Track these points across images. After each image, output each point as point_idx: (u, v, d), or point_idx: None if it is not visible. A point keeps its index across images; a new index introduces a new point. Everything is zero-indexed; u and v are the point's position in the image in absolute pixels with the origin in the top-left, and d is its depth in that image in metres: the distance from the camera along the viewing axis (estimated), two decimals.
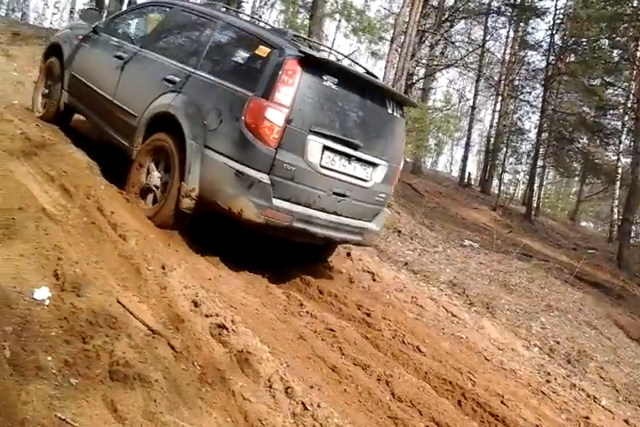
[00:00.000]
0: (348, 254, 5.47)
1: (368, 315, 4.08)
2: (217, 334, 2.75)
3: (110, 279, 2.84)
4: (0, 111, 4.92)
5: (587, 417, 3.85)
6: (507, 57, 21.89)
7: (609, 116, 20.49)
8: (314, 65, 3.86)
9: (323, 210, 4.05)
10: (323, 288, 4.30)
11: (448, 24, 16.80)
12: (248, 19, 6.15)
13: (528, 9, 18.71)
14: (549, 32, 18.74)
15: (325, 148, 3.93)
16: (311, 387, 2.66)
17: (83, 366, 2.03)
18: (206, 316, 2.88)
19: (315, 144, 3.87)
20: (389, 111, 4.38)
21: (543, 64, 19.52)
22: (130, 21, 5.68)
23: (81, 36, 5.58)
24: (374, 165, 4.30)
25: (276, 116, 3.71)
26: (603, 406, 4.29)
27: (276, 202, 3.78)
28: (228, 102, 3.92)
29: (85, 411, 1.85)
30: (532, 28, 22.18)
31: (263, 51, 3.92)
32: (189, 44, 4.63)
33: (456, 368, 3.71)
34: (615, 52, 18.41)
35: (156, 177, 4.26)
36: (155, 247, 3.50)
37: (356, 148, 4.08)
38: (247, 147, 3.77)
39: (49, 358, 2.00)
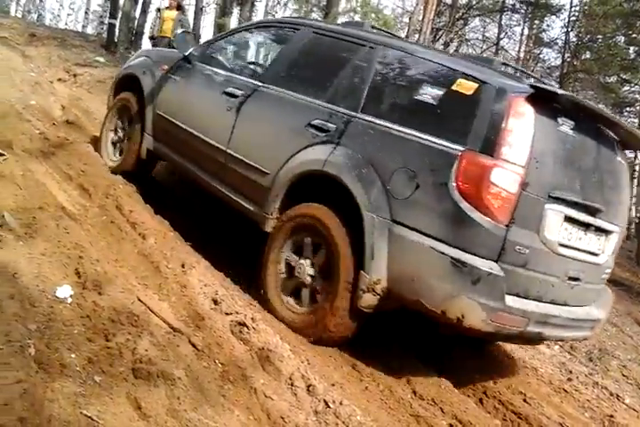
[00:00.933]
0: None
1: None
2: (237, 331, 2.74)
3: (130, 277, 2.85)
4: (19, 111, 4.95)
5: (611, 416, 3.80)
6: (521, 55, 21.71)
7: (625, 114, 20.27)
8: (548, 104, 2.86)
9: (553, 302, 3.04)
10: None
11: (462, 22, 16.76)
12: (415, 42, 4.37)
13: (543, 6, 18.55)
14: (564, 29, 18.55)
15: (566, 218, 2.93)
16: (332, 385, 2.64)
17: (106, 364, 2.03)
18: (226, 314, 2.87)
19: (554, 215, 2.86)
20: (619, 158, 3.38)
21: (558, 61, 19.33)
22: (238, 48, 4.70)
23: (166, 66, 4.59)
24: (608, 232, 3.29)
25: (507, 178, 2.69)
26: (627, 405, 4.23)
27: (508, 300, 2.75)
28: (425, 160, 2.86)
29: (110, 408, 1.85)
30: (547, 25, 21.84)
31: (466, 86, 2.90)
32: (340, 77, 3.45)
33: None
34: (631, 49, 18.19)
35: (307, 267, 3.19)
36: (174, 245, 3.51)
37: (595, 213, 3.10)
38: (465, 223, 2.73)
39: (73, 356, 2.00)
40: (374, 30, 3.93)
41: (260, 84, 3.81)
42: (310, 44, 3.85)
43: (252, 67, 4.49)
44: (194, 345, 2.48)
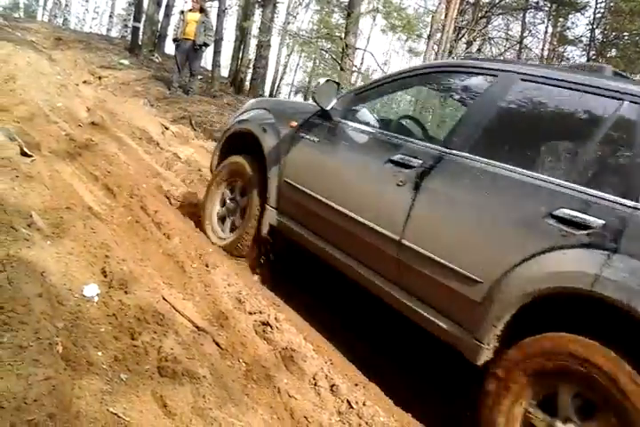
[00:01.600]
0: None
1: None
2: (261, 331, 2.76)
3: (156, 277, 2.88)
4: (46, 114, 5.03)
5: None
6: (545, 53, 21.45)
7: None
8: None
9: None
10: None
11: (485, 20, 16.63)
12: None
13: (567, 3, 18.31)
14: (590, 26, 18.31)
15: None
16: (356, 385, 2.64)
17: (132, 362, 2.06)
18: (250, 313, 2.89)
19: None
20: None
21: (584, 59, 19.07)
22: (403, 100, 3.76)
23: (295, 123, 3.64)
24: None
25: None
26: None
27: None
28: None
29: (136, 406, 1.87)
30: (572, 22, 21.64)
31: None
32: (593, 147, 2.45)
33: None
34: None
35: None
36: (198, 245, 3.54)
37: None
38: None
39: (99, 354, 2.03)
40: (622, 78, 2.76)
41: (446, 150, 2.77)
42: (523, 97, 2.83)
43: (428, 126, 3.59)
44: (218, 344, 2.50)
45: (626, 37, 17.77)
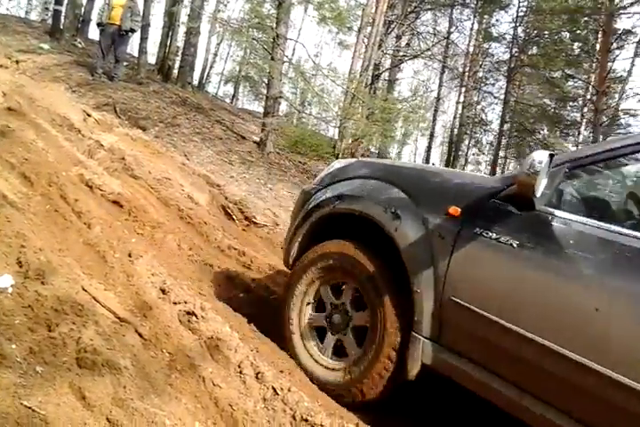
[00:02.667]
0: None
1: None
2: (186, 321, 2.72)
3: (75, 267, 2.78)
4: None
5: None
6: (471, 49, 22.11)
7: (569, 108, 20.94)
8: None
9: None
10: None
11: (414, 15, 16.93)
12: None
13: (492, 1, 18.98)
14: (513, 24, 19.04)
15: None
16: (281, 372, 2.66)
17: (49, 354, 1.99)
18: (174, 303, 2.84)
19: None
20: None
21: (506, 56, 19.84)
22: None
23: (457, 209, 2.38)
24: None
25: None
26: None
27: None
28: None
29: (52, 399, 1.82)
30: (497, 20, 22.48)
31: None
32: None
33: None
34: (576, 44, 18.83)
35: None
36: (121, 235, 3.45)
37: None
38: None
39: (13, 347, 1.95)
40: None
41: None
42: None
43: None
44: (140, 335, 2.45)
45: (546, 36, 18.55)
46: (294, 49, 21.86)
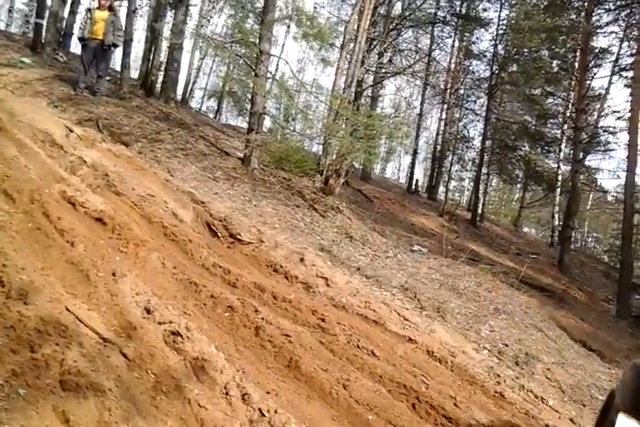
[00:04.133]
0: (302, 260, 5.45)
1: (323, 320, 4.07)
2: (171, 341, 2.69)
3: (58, 286, 2.74)
4: None
5: (534, 417, 3.95)
6: (452, 66, 22.37)
7: (549, 125, 21.21)
8: None
9: None
10: (277, 294, 4.26)
11: (396, 32, 17.11)
12: None
13: (473, 19, 19.27)
14: (493, 42, 19.31)
15: None
16: (268, 393, 2.63)
17: (32, 376, 1.95)
18: (159, 323, 2.81)
19: None
20: None
21: (487, 73, 20.05)
22: None
23: None
24: None
25: None
26: (550, 407, 4.40)
27: None
28: None
29: (34, 422, 1.78)
30: (477, 38, 22.77)
31: None
32: None
33: (410, 372, 3.74)
34: (555, 62, 19.15)
35: None
36: (104, 253, 3.40)
37: None
38: None
39: None
40: None
41: None
42: None
43: None
44: (125, 356, 2.41)
45: (526, 53, 18.84)
46: (277, 65, 21.90)
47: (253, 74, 9.87)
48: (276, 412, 2.47)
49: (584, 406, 4.85)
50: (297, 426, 2.46)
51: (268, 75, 10.51)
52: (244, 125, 15.81)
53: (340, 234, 7.80)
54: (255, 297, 4.13)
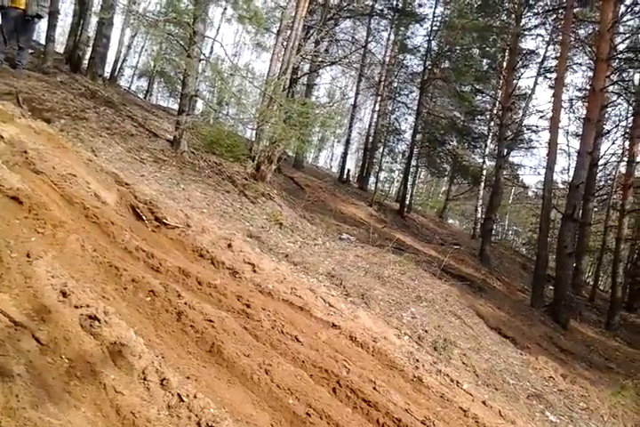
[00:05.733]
0: (229, 245, 5.40)
1: (248, 306, 4.05)
2: (88, 325, 2.60)
3: None
4: None
5: (449, 400, 4.10)
6: (387, 59, 22.63)
7: (477, 122, 21.90)
8: None
9: None
10: (202, 279, 4.20)
11: (333, 22, 17.11)
12: None
13: (408, 14, 19.54)
14: (427, 38, 19.68)
15: None
16: (188, 378, 2.60)
17: None
18: (76, 307, 2.71)
19: None
20: None
21: (420, 68, 20.43)
22: None
23: None
24: None
25: None
26: (464, 390, 4.58)
27: None
28: None
29: None
30: (412, 32, 23.17)
31: None
32: None
33: (332, 357, 3.79)
34: (485, 61, 19.77)
35: None
36: (19, 234, 3.24)
37: None
38: None
39: None
40: None
41: None
42: None
43: None
44: (38, 340, 2.31)
45: (458, 51, 19.31)
46: (212, 48, 21.41)
47: (186, 55, 9.62)
48: (195, 397, 2.45)
49: (497, 389, 5.08)
50: (216, 411, 2.44)
51: (202, 56, 10.27)
52: (175, 107, 15.42)
53: (269, 221, 7.77)
54: (179, 282, 4.06)
